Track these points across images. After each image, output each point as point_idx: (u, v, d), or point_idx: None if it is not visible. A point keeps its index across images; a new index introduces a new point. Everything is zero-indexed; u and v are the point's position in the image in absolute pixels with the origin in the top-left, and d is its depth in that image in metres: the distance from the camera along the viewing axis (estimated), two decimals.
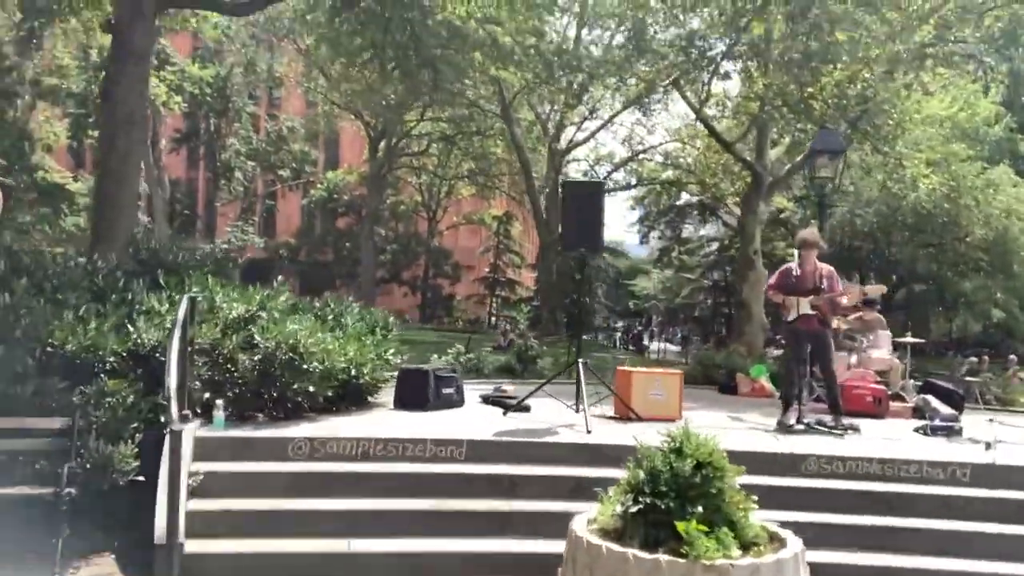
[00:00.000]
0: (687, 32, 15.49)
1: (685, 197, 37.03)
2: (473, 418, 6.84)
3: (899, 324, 34.91)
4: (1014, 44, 30.56)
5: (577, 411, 6.55)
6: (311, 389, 5.93)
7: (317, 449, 5.37)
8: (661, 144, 30.08)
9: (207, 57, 42.41)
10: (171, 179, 46.74)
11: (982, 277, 21.75)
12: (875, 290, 7.58)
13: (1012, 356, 17.36)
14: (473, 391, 8.45)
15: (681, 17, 15.75)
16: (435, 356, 11.15)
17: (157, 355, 5.36)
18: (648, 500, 3.63)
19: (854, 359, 9.51)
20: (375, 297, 44.10)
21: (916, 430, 7.23)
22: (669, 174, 33.93)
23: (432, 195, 46.06)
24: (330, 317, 7.14)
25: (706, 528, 3.51)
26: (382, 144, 38.02)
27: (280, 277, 8.06)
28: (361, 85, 22.53)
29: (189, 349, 5.50)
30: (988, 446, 5.70)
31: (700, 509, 3.57)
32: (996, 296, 21.37)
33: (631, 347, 30.83)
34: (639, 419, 6.77)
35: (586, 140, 33.20)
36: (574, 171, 37.81)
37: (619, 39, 18.36)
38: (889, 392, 9.02)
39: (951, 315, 29.67)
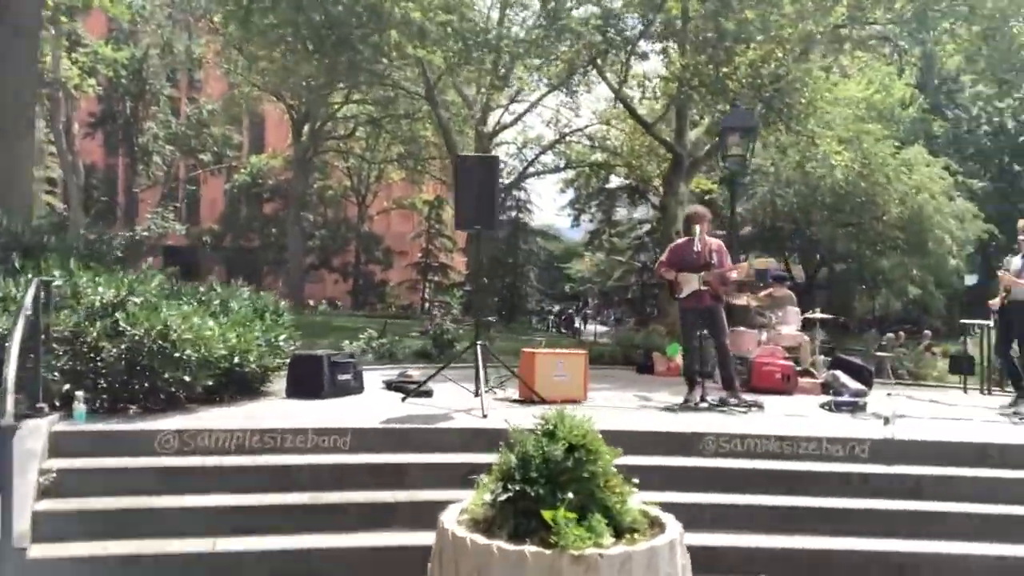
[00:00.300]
0: (603, 11, 15.31)
1: (616, 180, 37.18)
2: (368, 405, 6.53)
3: (823, 302, 35.78)
4: (926, 28, 31.42)
5: (476, 395, 6.30)
6: (186, 379, 5.53)
7: (187, 443, 4.99)
8: (587, 126, 29.82)
9: (122, 39, 40.76)
10: (87, 165, 44.87)
11: (899, 255, 22.29)
12: (763, 263, 7.58)
13: (926, 331, 17.83)
14: (382, 376, 8.16)
15: None
16: (347, 342, 10.77)
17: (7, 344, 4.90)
18: (518, 487, 3.40)
19: (764, 336, 9.51)
20: (304, 284, 43.31)
21: (822, 406, 7.20)
22: (598, 157, 33.89)
23: (361, 180, 45.28)
24: (216, 302, 6.72)
25: (577, 515, 3.30)
26: (306, 127, 37.14)
27: (148, 262, 7.62)
28: (278, 66, 21.77)
29: (44, 337, 5.08)
30: (886, 421, 5.65)
31: (572, 495, 3.35)
32: (912, 273, 21.95)
33: (564, 330, 30.85)
34: (543, 401, 6.56)
35: (513, 123, 32.90)
36: (503, 154, 37.61)
37: (537, 19, 18.04)
38: (798, 368, 9.04)
39: (873, 293, 30.42)
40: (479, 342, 6.45)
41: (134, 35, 40.52)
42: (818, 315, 9.69)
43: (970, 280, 30.53)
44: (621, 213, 43.11)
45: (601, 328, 35.44)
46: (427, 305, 45.33)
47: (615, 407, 6.73)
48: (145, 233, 43.72)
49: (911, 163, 22.01)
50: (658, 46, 17.31)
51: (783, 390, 8.45)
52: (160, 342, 5.36)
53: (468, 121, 30.47)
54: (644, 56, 17.64)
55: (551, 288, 48.29)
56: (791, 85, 13.25)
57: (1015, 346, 8.07)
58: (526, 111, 32.05)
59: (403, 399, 6.64)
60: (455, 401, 6.55)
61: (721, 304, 7.30)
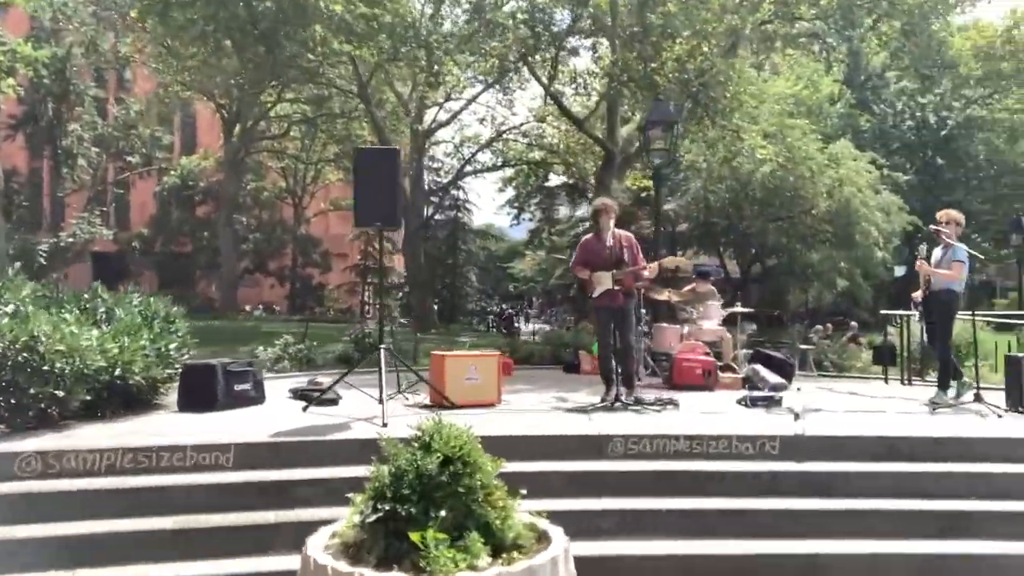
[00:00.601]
0: (530, 5, 15.12)
1: (556, 178, 37.12)
2: (265, 416, 6.16)
3: (758, 297, 36.25)
4: (852, 25, 32.13)
5: (380, 402, 6.00)
6: (59, 394, 5.11)
7: (51, 464, 4.59)
8: (523, 124, 29.68)
9: (43, 37, 39.25)
10: (7, 169, 43.05)
11: (827, 248, 22.59)
12: (671, 261, 7.44)
13: (852, 323, 18.05)
14: (292, 384, 7.79)
15: None
16: (262, 348, 10.33)
17: None
18: (388, 506, 3.13)
19: (686, 330, 9.40)
20: (237, 289, 42.24)
21: (739, 402, 7.08)
22: (536, 155, 33.81)
23: (297, 180, 44.43)
24: (101, 310, 6.29)
25: (452, 535, 3.04)
26: (237, 127, 36.25)
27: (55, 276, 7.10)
28: (200, 62, 21.06)
29: None
30: (796, 416, 5.53)
31: (446, 512, 3.09)
32: (840, 266, 22.27)
33: (503, 330, 30.62)
34: (452, 406, 6.30)
35: (449, 121, 32.62)
36: (441, 153, 37.29)
37: (464, 13, 17.77)
38: (720, 364, 8.95)
39: (806, 286, 30.92)
40: (382, 346, 6.15)
41: (58, 33, 39.07)
42: (740, 309, 9.62)
43: (899, 271, 31.29)
44: (563, 211, 43.10)
45: (546, 327, 35.33)
46: (367, 308, 44.79)
47: (527, 410, 6.50)
48: (70, 239, 42.15)
49: (838, 157, 22.36)
50: (587, 42, 17.17)
51: (704, 386, 8.35)
52: (26, 355, 4.94)
53: (403, 119, 30.04)
54: (574, 52, 17.51)
55: (495, 288, 48.05)
56: (715, 79, 13.22)
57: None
58: (462, 109, 31.80)
59: (305, 408, 6.30)
60: (360, 409, 6.24)
61: (633, 301, 7.16)
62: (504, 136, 31.42)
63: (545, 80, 17.60)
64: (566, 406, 6.77)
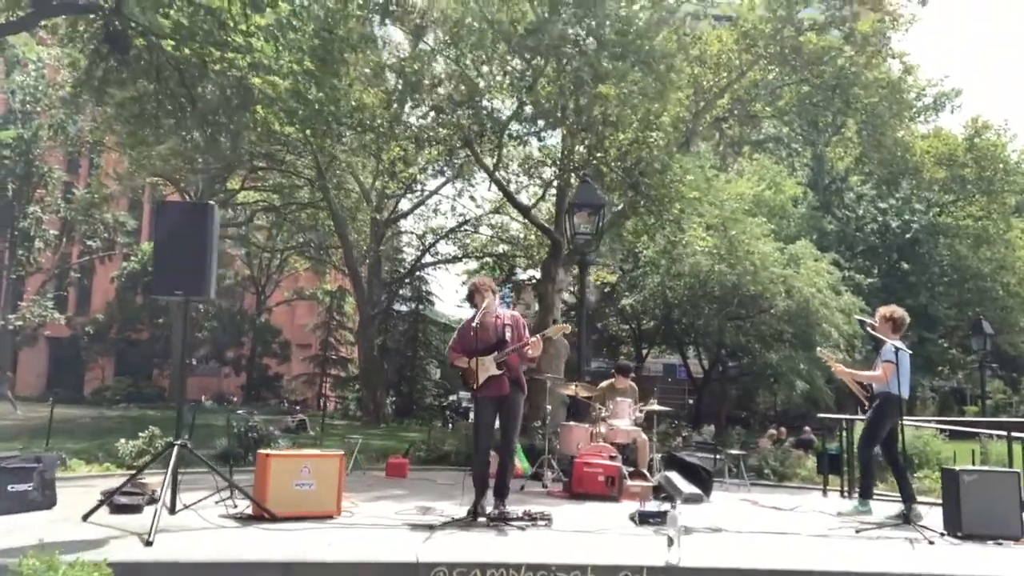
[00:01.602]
0: (468, 89, 14.62)
1: (528, 272, 36.54)
2: (25, 526, 4.98)
3: (730, 398, 35.16)
4: (816, 129, 32.46)
5: (173, 511, 4.90)
6: None
7: None
8: (481, 216, 29.22)
9: (11, 119, 39.10)
10: None
11: (787, 348, 21.78)
12: (556, 330, 6.46)
13: (806, 428, 17.05)
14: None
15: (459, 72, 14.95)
16: (123, 440, 9.14)
17: None
18: None
19: (603, 429, 8.35)
20: (186, 379, 40.69)
21: (631, 517, 5.99)
22: (502, 248, 33.34)
23: (262, 269, 43.67)
24: None
25: None
26: None
27: None
28: (137, 140, 20.39)
29: None
30: (670, 542, 4.46)
31: None
32: (800, 368, 21.39)
33: (451, 423, 29.36)
34: (273, 519, 5.20)
35: (410, 212, 32.17)
36: (403, 243, 36.71)
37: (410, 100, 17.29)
38: (631, 470, 7.89)
39: (774, 388, 30.01)
40: (177, 442, 5.08)
41: (27, 115, 38.90)
42: (655, 407, 8.62)
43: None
44: (535, 306, 42.33)
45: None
46: (324, 400, 43.26)
47: (360, 525, 5.38)
48: (19, 322, 40.82)
49: (798, 257, 21.87)
50: (531, 128, 16.70)
51: (608, 495, 7.26)
52: None
53: (363, 209, 29.55)
54: (520, 139, 17.01)
55: (457, 382, 46.72)
56: (652, 168, 12.61)
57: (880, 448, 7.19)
58: (423, 200, 31.41)
59: (84, 517, 5.15)
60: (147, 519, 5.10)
61: (522, 395, 6.17)
62: (465, 228, 30.92)
63: (491, 167, 17.01)
64: (420, 520, 5.66)
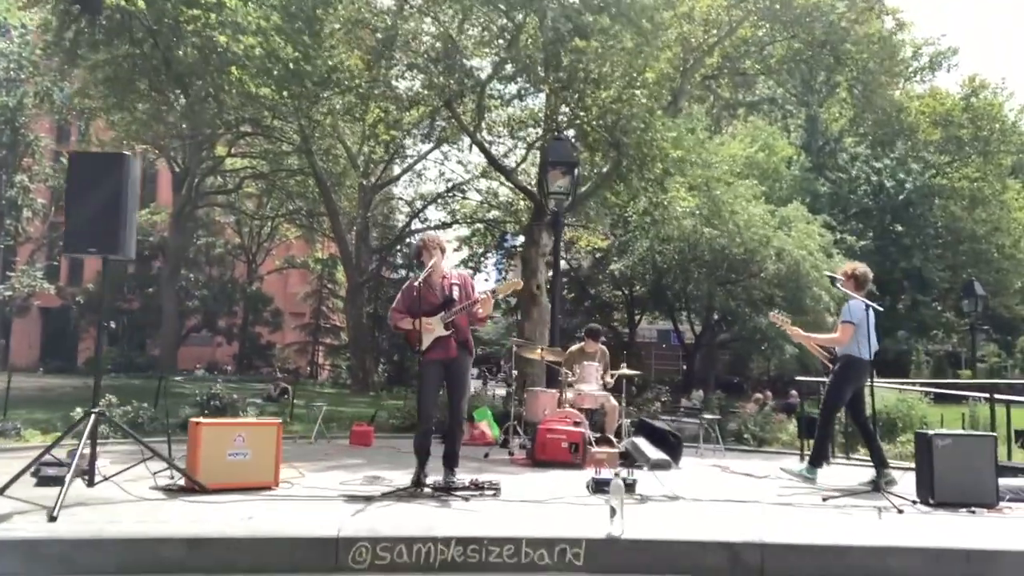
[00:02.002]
0: (444, 47, 14.13)
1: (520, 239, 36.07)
2: None
3: (722, 363, 34.94)
4: (812, 94, 31.91)
5: (91, 484, 4.62)
6: None
7: None
8: (469, 180, 28.75)
9: None
10: None
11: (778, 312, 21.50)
12: (506, 287, 6.01)
13: (793, 392, 16.80)
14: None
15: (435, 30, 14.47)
16: (78, 409, 8.85)
17: None
18: None
19: (570, 395, 8.07)
20: (179, 347, 40.52)
21: (587, 485, 5.71)
22: (493, 214, 32.87)
23: (253, 237, 43.24)
24: None
25: None
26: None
27: None
28: (109, 105, 19.89)
29: None
30: (612, 513, 4.19)
31: None
32: None
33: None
34: (203, 490, 4.92)
35: (398, 177, 31.73)
36: (393, 209, 36.32)
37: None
38: (597, 436, 7.62)
39: (767, 353, 29.79)
40: (94, 410, 4.78)
41: (12, 83, 38.17)
42: (625, 371, 8.31)
43: None
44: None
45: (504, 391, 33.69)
46: (317, 368, 43.08)
47: (296, 497, 5.09)
48: (8, 293, 40.48)
49: (789, 219, 21.50)
50: (513, 88, 16.24)
51: (571, 462, 7.00)
52: None
53: (351, 174, 29.10)
54: (500, 99, 16.55)
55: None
56: (631, 125, 12.19)
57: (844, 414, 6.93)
58: (412, 165, 30.96)
59: (1, 490, 4.86)
60: (82, 492, 4.83)
61: (470, 358, 5.86)
62: (454, 193, 30.46)
63: (472, 128, 16.56)
64: (363, 490, 5.37)
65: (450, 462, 5.65)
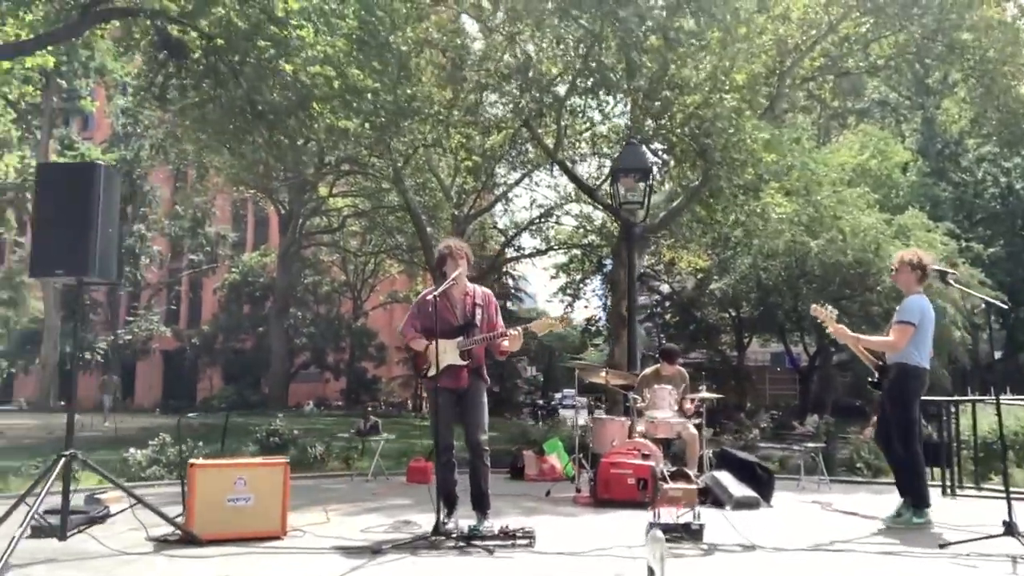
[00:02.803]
0: (516, 64, 13.56)
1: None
2: None
3: (840, 386, 32.75)
4: (927, 95, 29.68)
5: (63, 537, 4.11)
6: None
7: None
8: (562, 204, 28.08)
9: (115, 142, 40.80)
10: None
11: None
12: (543, 326, 5.04)
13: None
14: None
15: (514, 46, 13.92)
16: (132, 450, 8.56)
17: None
18: None
19: (641, 427, 7.16)
20: (289, 384, 41.40)
21: (646, 531, 4.81)
22: (592, 238, 32.09)
23: (358, 274, 43.97)
24: None
25: None
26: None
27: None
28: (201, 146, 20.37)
29: None
30: (651, 574, 3.32)
31: None
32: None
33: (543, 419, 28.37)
34: (196, 542, 4.35)
35: (491, 206, 31.41)
36: (485, 238, 36.01)
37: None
38: (671, 470, 6.66)
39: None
40: (64, 453, 4.27)
41: (129, 138, 40.49)
42: (704, 394, 7.31)
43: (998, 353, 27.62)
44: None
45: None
46: (421, 401, 43.08)
47: (302, 550, 4.44)
48: (128, 337, 42.52)
49: (907, 228, 19.77)
50: (593, 103, 15.50)
51: (638, 501, 6.09)
52: None
53: (443, 205, 29.08)
54: (580, 113, 15.86)
55: (550, 378, 45.65)
56: (715, 127, 11.21)
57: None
58: (505, 192, 30.62)
59: None
60: (64, 545, 4.34)
61: (485, 383, 5.11)
62: (544, 219, 29.84)
63: (552, 147, 15.91)
64: (381, 539, 4.68)
65: (480, 504, 4.90)
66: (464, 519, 4.86)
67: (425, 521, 5.29)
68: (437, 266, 5.18)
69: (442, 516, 4.62)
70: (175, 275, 47.74)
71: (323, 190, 34.95)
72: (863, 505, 6.46)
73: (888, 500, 6.98)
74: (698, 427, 7.13)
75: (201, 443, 9.01)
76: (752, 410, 30.46)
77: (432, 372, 4.87)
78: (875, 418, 16.21)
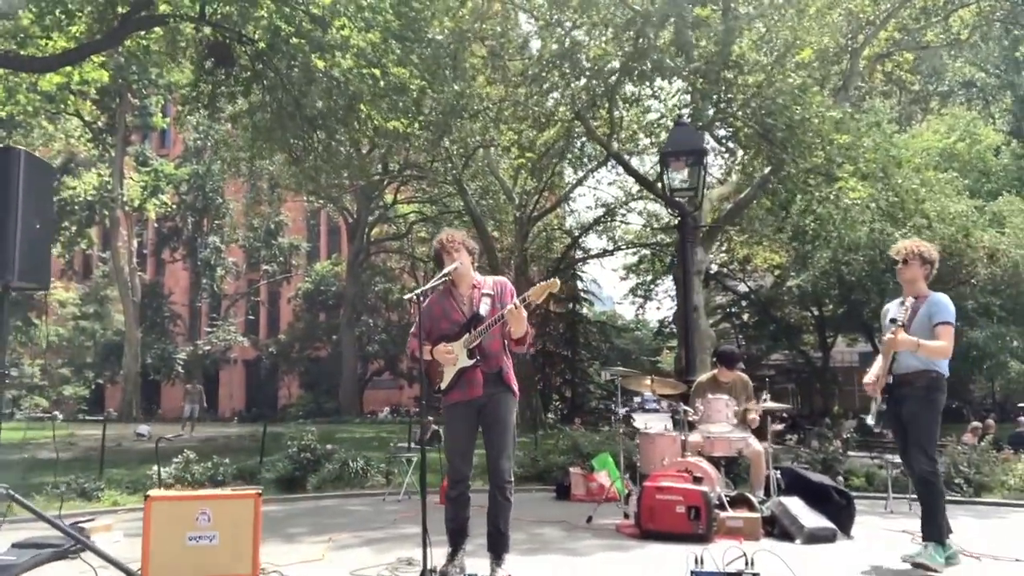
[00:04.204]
0: (566, 47, 12.71)
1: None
2: None
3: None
4: (1018, 71, 27.52)
5: None
6: None
7: None
8: (626, 202, 27.11)
9: (187, 157, 41.76)
10: (151, 281, 45.45)
11: (994, 324, 18.00)
12: (539, 290, 4.14)
13: (1021, 419, 13.61)
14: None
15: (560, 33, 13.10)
16: (155, 467, 8.08)
17: None
18: None
19: (695, 438, 6.23)
20: (363, 392, 41.49)
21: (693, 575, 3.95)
22: (661, 237, 31.05)
23: (428, 280, 43.90)
24: None
25: None
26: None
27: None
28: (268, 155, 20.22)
29: None
30: None
31: None
32: (1014, 346, 17.59)
33: (614, 428, 27.38)
34: None
35: (555, 207, 30.61)
36: (548, 239, 35.23)
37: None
38: (730, 495, 5.73)
39: (991, 372, 25.52)
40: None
41: (201, 152, 41.38)
42: (770, 404, 6.32)
43: None
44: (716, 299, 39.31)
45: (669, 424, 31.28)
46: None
47: None
48: (207, 347, 43.32)
49: (1002, 215, 18.16)
50: (648, 90, 14.56)
51: (690, 534, 5.18)
52: None
53: (506, 208, 28.54)
54: (635, 101, 14.94)
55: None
56: (776, 104, 10.16)
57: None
58: (568, 192, 29.86)
59: None
60: None
61: (513, 396, 4.31)
62: (608, 218, 28.90)
63: (604, 137, 15.04)
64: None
65: (496, 547, 4.10)
66: (475, 558, 4.12)
67: (436, 556, 4.55)
68: (436, 265, 4.42)
69: (442, 562, 3.87)
70: (252, 286, 48.56)
71: (388, 197, 34.91)
72: (967, 534, 5.38)
73: (996, 526, 5.95)
74: (766, 441, 6.16)
75: (228, 459, 8.50)
76: (838, 414, 28.77)
77: (445, 382, 4.13)
78: (975, 423, 14.74)
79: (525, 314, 4.03)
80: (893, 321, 4.57)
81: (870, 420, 4.77)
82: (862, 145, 11.01)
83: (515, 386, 4.27)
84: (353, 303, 38.06)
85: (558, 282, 4.12)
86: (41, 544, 4.62)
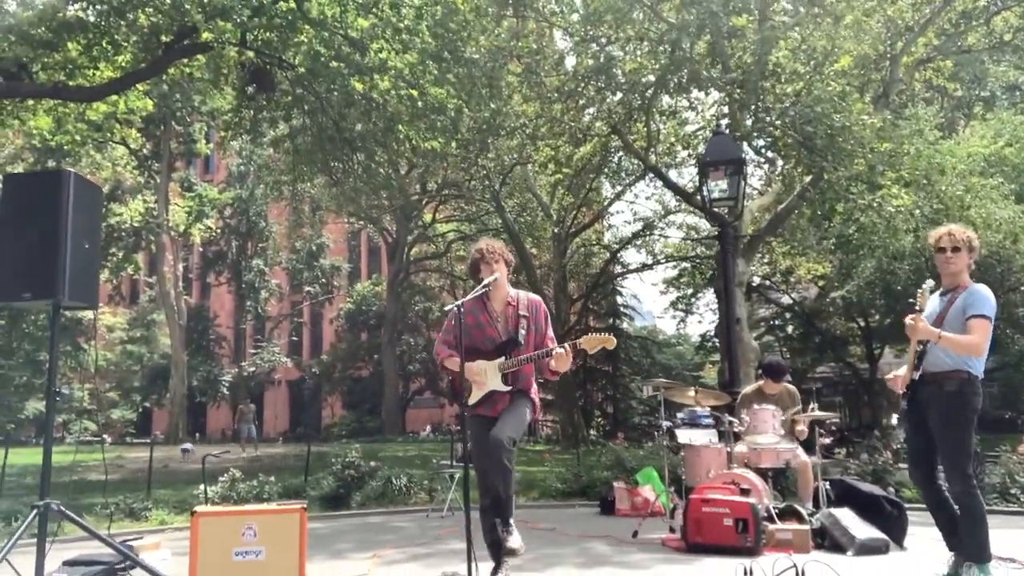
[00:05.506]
0: (601, 62, 12.73)
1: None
2: None
3: (990, 397, 29.90)
4: None
5: None
6: None
7: None
8: (665, 215, 26.95)
9: (231, 182, 42.52)
10: (197, 305, 46.33)
11: None
12: (592, 342, 4.02)
13: None
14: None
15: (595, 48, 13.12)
16: (201, 487, 8.19)
17: None
18: None
19: (742, 449, 6.14)
20: (405, 410, 41.65)
21: None
22: (701, 250, 30.83)
23: None
24: None
25: None
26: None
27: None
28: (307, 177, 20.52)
29: None
30: None
31: None
32: None
33: (667, 441, 27.03)
34: None
35: (593, 222, 30.56)
36: (587, 254, 35.18)
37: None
38: (779, 507, 5.62)
39: None
40: (39, 503, 3.75)
41: (245, 177, 42.10)
42: (817, 414, 6.19)
43: None
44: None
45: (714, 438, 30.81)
46: (531, 424, 42.47)
47: None
48: (252, 369, 43.92)
49: None
50: (684, 102, 14.51)
51: (738, 547, 5.09)
52: None
53: (545, 223, 28.61)
54: (672, 114, 14.89)
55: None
56: (814, 112, 10.04)
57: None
58: (606, 206, 29.85)
59: None
60: None
61: (531, 401, 4.30)
62: (650, 232, 28.74)
63: (641, 150, 15.00)
64: None
65: (500, 511, 4.02)
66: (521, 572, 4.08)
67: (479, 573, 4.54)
68: (471, 274, 4.42)
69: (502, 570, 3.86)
70: (295, 307, 49.20)
71: (427, 216, 35.18)
72: (1022, 547, 5.22)
73: None
74: (815, 453, 6.04)
75: (273, 478, 8.59)
76: (887, 426, 28.12)
77: (473, 399, 4.13)
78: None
79: (571, 357, 4.04)
80: (911, 305, 4.21)
81: (894, 421, 4.55)
82: (905, 152, 10.81)
83: (536, 398, 4.27)
84: (394, 322, 38.31)
85: (615, 340, 4.12)
86: (91, 562, 4.69)
